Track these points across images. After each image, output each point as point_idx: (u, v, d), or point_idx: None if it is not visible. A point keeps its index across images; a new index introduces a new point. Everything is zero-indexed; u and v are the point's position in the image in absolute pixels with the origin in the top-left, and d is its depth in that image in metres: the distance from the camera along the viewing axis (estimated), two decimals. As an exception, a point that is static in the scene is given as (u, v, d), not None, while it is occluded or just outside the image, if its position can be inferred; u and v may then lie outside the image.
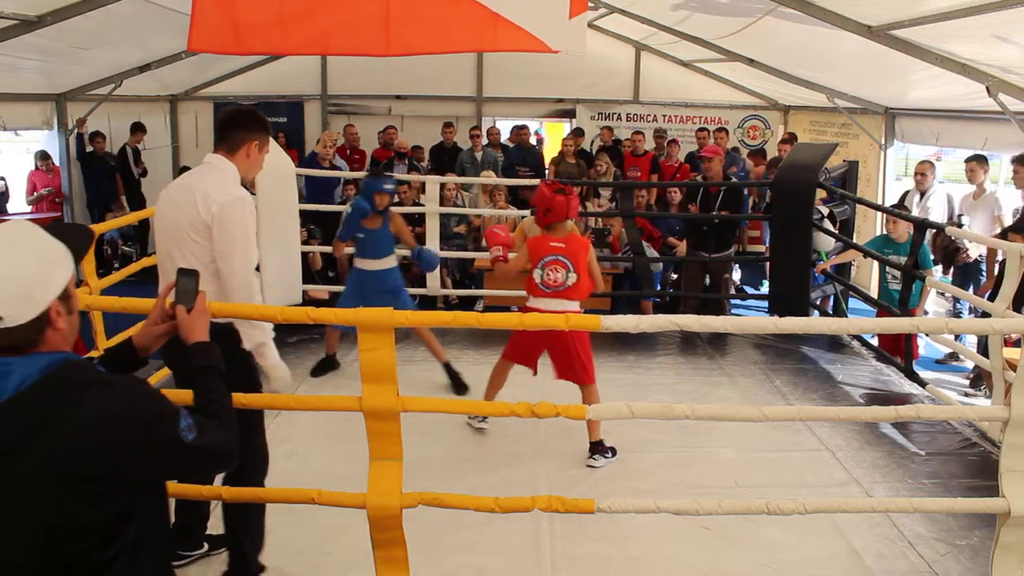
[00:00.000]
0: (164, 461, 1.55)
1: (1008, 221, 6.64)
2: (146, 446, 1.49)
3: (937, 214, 7.06)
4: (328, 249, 7.18)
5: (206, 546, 3.22)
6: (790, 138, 9.49)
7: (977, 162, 6.82)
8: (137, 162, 9.91)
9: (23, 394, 1.42)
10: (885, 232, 6.54)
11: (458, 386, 5.07)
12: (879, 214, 8.11)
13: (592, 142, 10.99)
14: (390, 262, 5.17)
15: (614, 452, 4.15)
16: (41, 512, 1.42)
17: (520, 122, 10.52)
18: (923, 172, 7.34)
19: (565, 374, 4.16)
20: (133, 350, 1.87)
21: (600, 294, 7.00)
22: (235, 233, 2.70)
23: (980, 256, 6.74)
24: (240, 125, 2.86)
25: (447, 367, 5.13)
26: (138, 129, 10.01)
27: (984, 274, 6.68)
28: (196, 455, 1.57)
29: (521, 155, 9.77)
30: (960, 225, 6.43)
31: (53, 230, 1.54)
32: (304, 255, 6.95)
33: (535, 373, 4.29)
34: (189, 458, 1.57)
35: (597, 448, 4.10)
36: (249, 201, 2.78)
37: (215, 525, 3.27)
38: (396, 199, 7.96)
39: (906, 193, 7.64)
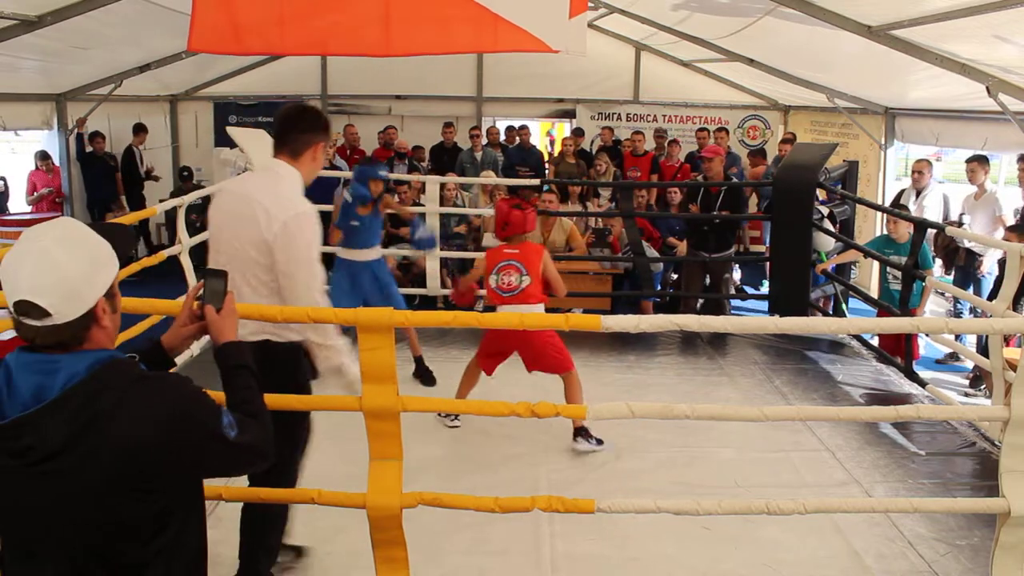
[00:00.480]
0: (208, 458, 1.57)
1: (1010, 221, 6.65)
2: (193, 443, 1.52)
3: (933, 213, 7.06)
4: (328, 249, 7.18)
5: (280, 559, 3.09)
6: (791, 138, 9.49)
7: (978, 163, 6.83)
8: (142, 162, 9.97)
9: (71, 392, 1.43)
10: (886, 232, 6.54)
11: (427, 379, 5.18)
12: (879, 214, 8.11)
13: (592, 142, 11.00)
14: (378, 251, 5.20)
15: (600, 441, 4.19)
16: (88, 509, 1.44)
17: (517, 123, 10.53)
18: (920, 171, 7.35)
19: (541, 368, 4.29)
20: (162, 351, 1.88)
21: (599, 294, 7.07)
22: (299, 254, 2.56)
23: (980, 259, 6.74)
24: (304, 127, 2.68)
25: (419, 361, 5.23)
26: (140, 130, 10.05)
27: (985, 276, 6.68)
28: (238, 452, 1.60)
29: (521, 155, 9.77)
30: (961, 225, 6.43)
31: (98, 229, 1.56)
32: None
33: (489, 374, 4.40)
34: (231, 455, 1.60)
35: (581, 433, 4.18)
36: (313, 216, 2.63)
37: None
38: (397, 199, 8.00)
39: (902, 192, 7.65)
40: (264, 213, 2.54)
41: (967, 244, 6.66)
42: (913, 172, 7.50)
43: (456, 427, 4.47)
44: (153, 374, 1.59)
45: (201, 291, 1.87)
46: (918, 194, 7.27)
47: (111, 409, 1.43)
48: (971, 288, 6.55)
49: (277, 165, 2.66)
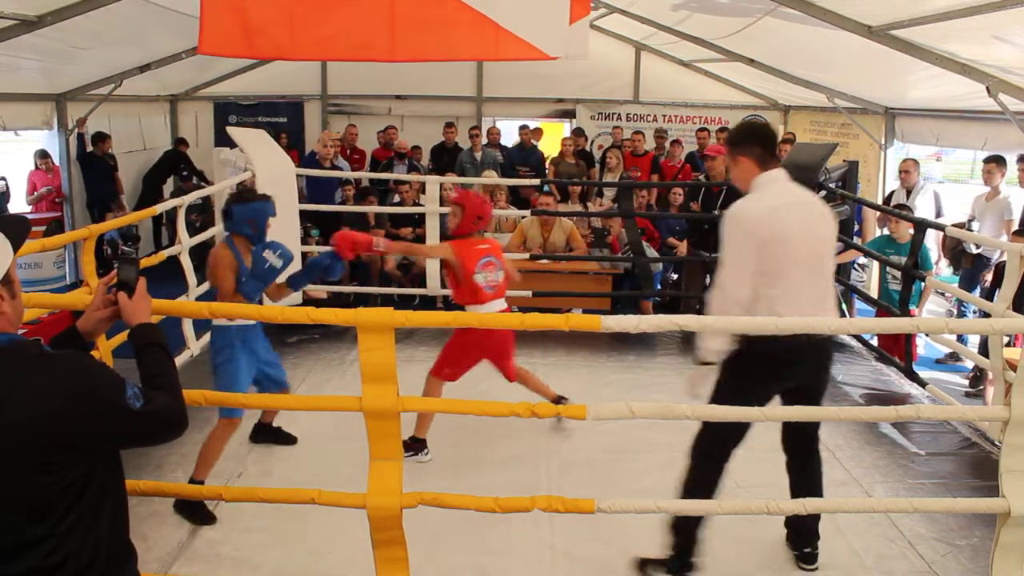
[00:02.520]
0: (114, 428, 1.62)
1: (1017, 225, 6.65)
2: (97, 413, 1.57)
3: (924, 212, 7.07)
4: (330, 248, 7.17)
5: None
6: (791, 138, 9.49)
7: (996, 164, 6.80)
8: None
9: None
10: (887, 232, 6.54)
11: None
12: (878, 215, 8.11)
13: (592, 142, 11.02)
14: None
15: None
16: (2, 487, 1.49)
17: (519, 123, 10.54)
18: (907, 170, 7.39)
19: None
20: (78, 335, 1.94)
21: (599, 294, 7.07)
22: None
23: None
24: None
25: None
26: (182, 143, 10.52)
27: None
28: (144, 422, 1.65)
29: (522, 155, 9.78)
30: (970, 228, 6.43)
31: None
32: (305, 255, 6.95)
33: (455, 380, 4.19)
34: (138, 425, 1.65)
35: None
36: None
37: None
38: (397, 199, 8.01)
39: (892, 192, 7.66)
40: (827, 211, 3.07)
41: (976, 249, 6.64)
42: (900, 172, 7.54)
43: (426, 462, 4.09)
44: (54, 352, 1.65)
45: (115, 277, 1.97)
46: (908, 193, 7.28)
47: (13, 387, 1.49)
48: (975, 292, 6.54)
49: (780, 172, 3.03)
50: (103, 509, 1.64)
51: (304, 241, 6.99)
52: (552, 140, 10.97)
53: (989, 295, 6.10)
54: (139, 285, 1.96)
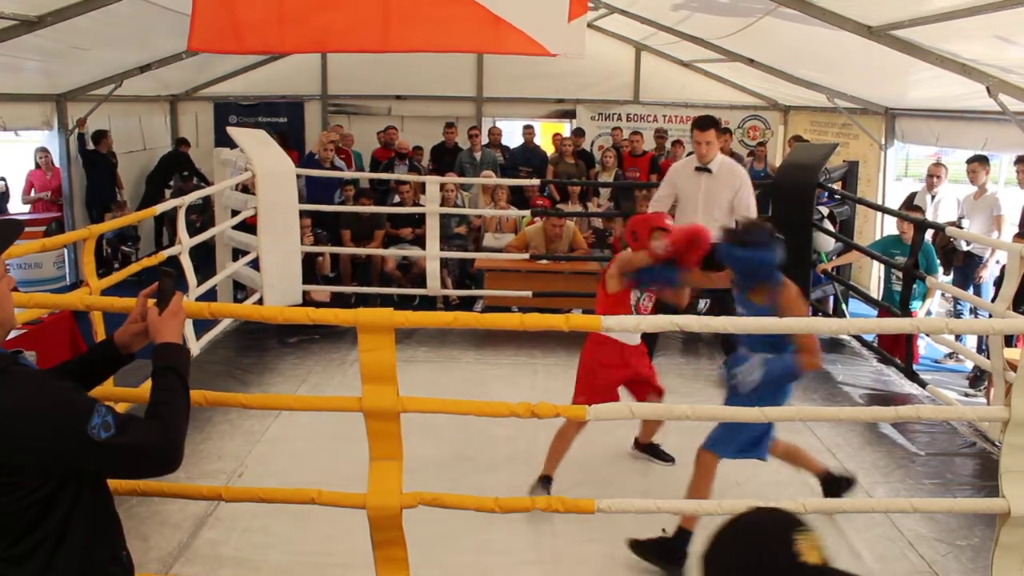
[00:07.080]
0: (71, 455, 1.54)
1: (1009, 221, 6.65)
2: (48, 439, 1.50)
3: (947, 217, 7.07)
4: (335, 249, 7.18)
5: None
6: (797, 139, 9.46)
7: (979, 163, 6.84)
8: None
9: None
10: (897, 233, 6.53)
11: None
12: (879, 214, 8.11)
13: (592, 142, 11.01)
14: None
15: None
16: None
17: (519, 123, 10.54)
18: (938, 175, 7.36)
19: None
20: (115, 348, 1.89)
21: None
22: None
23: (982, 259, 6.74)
24: None
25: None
26: (183, 143, 10.51)
27: (984, 282, 6.71)
28: (111, 453, 1.56)
29: (525, 155, 9.78)
30: (960, 227, 6.44)
31: None
32: (313, 257, 6.96)
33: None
34: (103, 456, 1.56)
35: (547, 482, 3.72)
36: None
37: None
38: (397, 199, 8.02)
39: (914, 194, 7.65)
40: None
41: (966, 247, 6.67)
42: (931, 176, 7.49)
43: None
44: (19, 369, 1.56)
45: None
46: (933, 198, 7.27)
47: None
48: (970, 290, 6.55)
49: None
50: (73, 534, 1.57)
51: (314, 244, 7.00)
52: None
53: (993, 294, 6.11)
54: (172, 301, 1.86)
